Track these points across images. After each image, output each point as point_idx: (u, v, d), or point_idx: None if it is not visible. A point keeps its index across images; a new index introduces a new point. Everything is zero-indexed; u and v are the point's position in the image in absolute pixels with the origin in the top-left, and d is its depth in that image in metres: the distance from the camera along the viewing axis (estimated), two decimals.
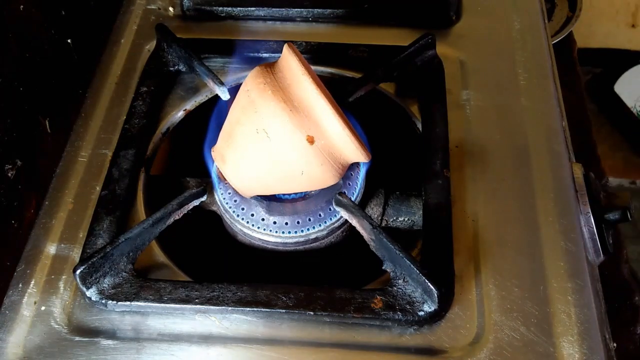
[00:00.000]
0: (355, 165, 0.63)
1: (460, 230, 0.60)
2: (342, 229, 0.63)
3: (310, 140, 0.54)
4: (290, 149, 0.55)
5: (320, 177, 0.57)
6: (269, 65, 0.57)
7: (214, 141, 0.61)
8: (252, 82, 0.56)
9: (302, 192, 0.62)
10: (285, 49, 0.56)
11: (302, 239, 0.61)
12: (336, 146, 0.55)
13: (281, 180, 0.57)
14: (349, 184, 0.62)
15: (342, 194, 0.60)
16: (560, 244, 0.59)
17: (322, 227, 0.61)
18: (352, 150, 0.56)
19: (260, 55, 0.76)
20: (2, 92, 0.60)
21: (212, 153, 0.60)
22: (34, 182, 0.65)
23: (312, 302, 0.55)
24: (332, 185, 0.60)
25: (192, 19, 0.82)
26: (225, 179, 0.61)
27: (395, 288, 0.56)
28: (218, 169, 0.61)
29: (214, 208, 0.65)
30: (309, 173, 0.56)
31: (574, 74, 1.02)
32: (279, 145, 0.55)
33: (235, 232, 0.64)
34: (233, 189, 0.61)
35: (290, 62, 0.55)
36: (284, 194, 0.62)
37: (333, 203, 0.60)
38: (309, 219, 0.61)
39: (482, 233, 0.61)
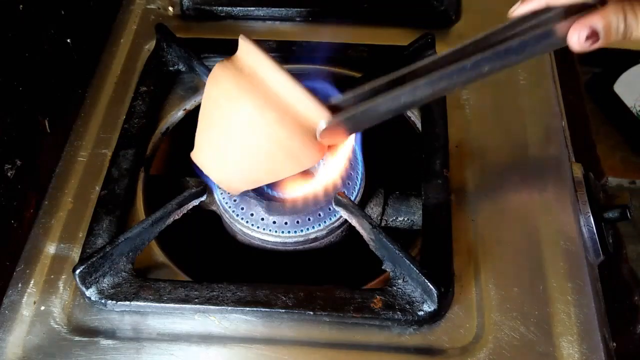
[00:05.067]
0: (355, 165, 0.62)
1: (460, 230, 0.60)
2: (341, 229, 0.63)
3: (277, 117, 0.52)
4: (260, 132, 0.52)
5: (299, 153, 0.53)
6: (227, 60, 0.54)
7: None
8: (211, 82, 0.54)
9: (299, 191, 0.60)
10: (240, 39, 0.53)
11: (301, 239, 0.61)
12: (299, 111, 0.52)
13: (263, 168, 0.54)
14: (349, 184, 0.62)
15: (341, 193, 0.59)
16: (560, 244, 0.59)
17: (321, 226, 0.61)
18: (311, 108, 0.52)
19: None
20: (1, 92, 0.60)
21: (192, 158, 0.57)
22: (34, 182, 0.65)
23: (311, 302, 0.55)
24: (331, 185, 0.59)
25: (191, 18, 0.82)
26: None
27: (394, 288, 0.56)
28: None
29: (214, 208, 0.65)
30: (286, 151, 0.53)
31: (574, 74, 1.02)
32: (249, 132, 0.52)
33: (235, 232, 0.63)
34: None
35: (246, 48, 0.53)
36: (278, 191, 0.61)
37: (333, 203, 0.60)
38: (309, 219, 0.61)
39: (482, 233, 0.61)
